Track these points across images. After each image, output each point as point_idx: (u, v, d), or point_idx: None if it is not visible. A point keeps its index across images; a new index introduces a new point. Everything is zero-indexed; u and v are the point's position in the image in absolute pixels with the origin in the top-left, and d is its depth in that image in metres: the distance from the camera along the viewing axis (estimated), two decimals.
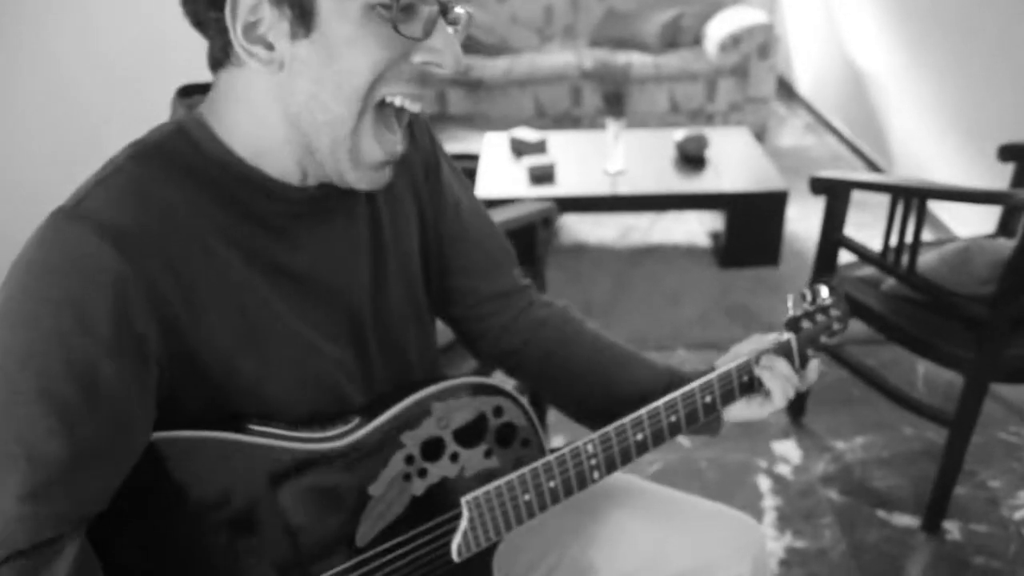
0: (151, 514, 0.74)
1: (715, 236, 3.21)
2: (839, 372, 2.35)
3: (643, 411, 0.92)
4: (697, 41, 4.31)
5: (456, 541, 0.87)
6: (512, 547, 1.06)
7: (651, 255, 3.20)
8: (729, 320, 2.70)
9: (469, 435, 0.85)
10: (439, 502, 0.85)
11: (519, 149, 3.27)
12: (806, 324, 1.04)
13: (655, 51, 4.19)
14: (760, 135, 4.24)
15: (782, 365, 0.96)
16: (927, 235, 2.84)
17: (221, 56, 0.73)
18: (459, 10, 0.77)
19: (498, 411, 0.86)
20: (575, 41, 4.48)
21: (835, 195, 1.91)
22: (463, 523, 0.86)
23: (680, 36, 4.28)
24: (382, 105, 0.74)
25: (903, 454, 2.12)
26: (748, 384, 0.98)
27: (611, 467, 0.92)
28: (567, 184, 3.01)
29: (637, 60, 4.10)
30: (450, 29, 0.75)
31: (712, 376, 0.95)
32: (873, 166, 3.82)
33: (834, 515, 1.93)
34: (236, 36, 0.69)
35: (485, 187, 2.98)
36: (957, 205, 2.95)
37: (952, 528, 1.89)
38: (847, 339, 2.48)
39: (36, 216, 0.69)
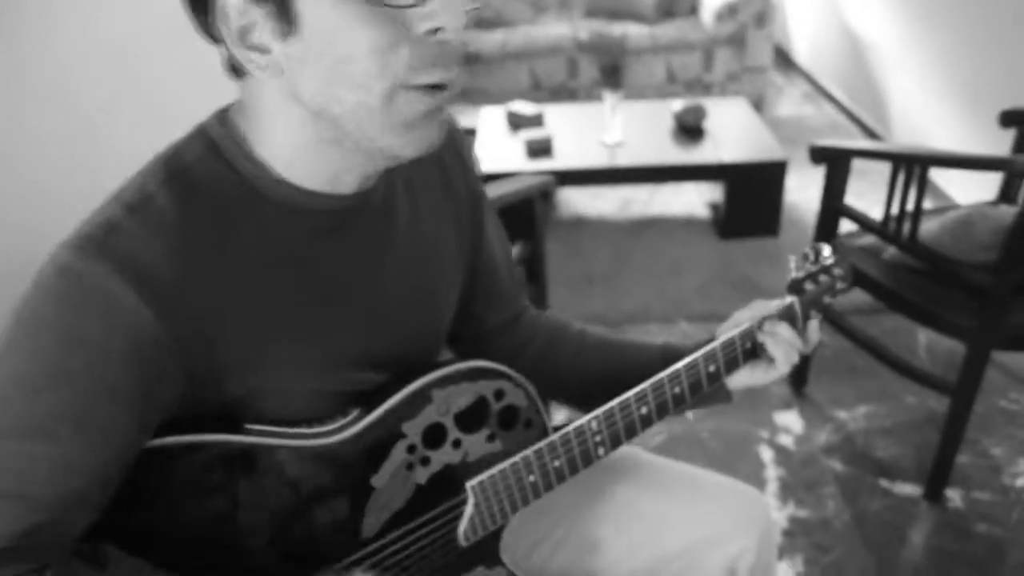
0: (153, 517, 0.74)
1: (714, 207, 3.19)
2: (842, 342, 2.35)
3: (646, 384, 0.91)
4: (693, 10, 4.26)
5: (463, 526, 0.87)
6: (519, 523, 1.07)
7: (651, 227, 3.19)
8: (730, 291, 2.70)
9: (471, 420, 0.84)
10: (444, 489, 0.85)
11: (516, 123, 3.25)
12: (809, 286, 1.02)
13: (651, 21, 4.14)
14: (758, 105, 4.20)
15: (785, 330, 0.95)
16: (927, 203, 2.82)
17: (234, 67, 0.70)
18: None
19: (499, 394, 0.85)
20: (570, 12, 4.43)
21: (835, 164, 1.90)
22: (469, 508, 0.86)
23: (676, 5, 4.24)
24: (413, 86, 0.67)
25: (905, 423, 2.12)
26: (751, 351, 0.97)
27: (616, 442, 0.92)
28: (565, 157, 2.99)
29: (633, 31, 4.06)
30: None
31: (715, 344, 0.93)
32: (872, 134, 3.80)
33: (837, 485, 1.94)
34: (232, 44, 0.65)
35: (483, 163, 2.96)
36: (957, 172, 2.93)
37: (954, 496, 1.89)
38: (849, 308, 2.48)
39: (39, 216, 0.68)
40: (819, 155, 1.91)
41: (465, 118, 3.57)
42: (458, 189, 0.94)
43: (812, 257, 1.04)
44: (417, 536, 0.85)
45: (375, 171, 0.77)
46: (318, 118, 0.68)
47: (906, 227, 1.76)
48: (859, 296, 1.92)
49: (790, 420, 2.15)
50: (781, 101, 4.46)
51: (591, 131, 3.14)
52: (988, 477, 1.95)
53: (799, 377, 2.25)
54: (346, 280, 0.79)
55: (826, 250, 1.05)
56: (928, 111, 3.24)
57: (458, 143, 0.95)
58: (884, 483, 1.94)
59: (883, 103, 3.67)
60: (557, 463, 0.89)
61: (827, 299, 1.06)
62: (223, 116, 0.75)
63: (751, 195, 2.95)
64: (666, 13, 4.21)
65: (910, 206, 1.75)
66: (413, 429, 0.81)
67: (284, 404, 0.77)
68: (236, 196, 0.72)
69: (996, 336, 1.67)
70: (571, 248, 3.06)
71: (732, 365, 0.96)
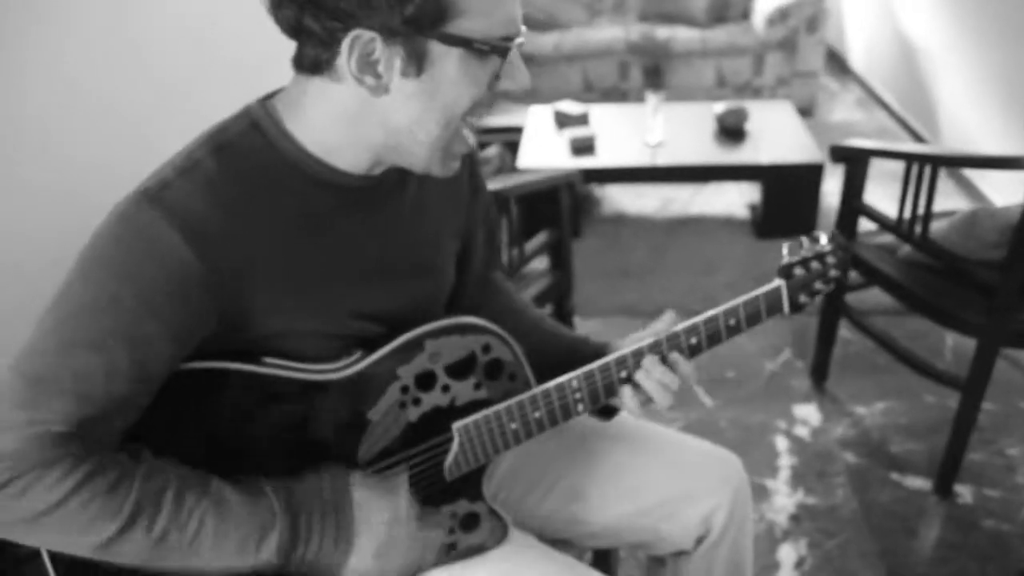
0: (179, 428, 0.87)
1: (753, 208, 3.25)
2: (865, 341, 2.40)
3: (627, 351, 1.01)
4: (745, 15, 4.31)
5: (447, 462, 0.98)
6: (513, 471, 1.18)
7: (689, 225, 3.26)
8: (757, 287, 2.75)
9: (459, 369, 0.95)
10: (432, 428, 0.96)
11: (562, 121, 3.35)
12: (799, 271, 1.08)
13: (702, 25, 4.20)
14: (809, 110, 4.23)
15: (657, 370, 1.00)
16: (964, 205, 2.84)
17: (315, 66, 0.81)
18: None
19: (486, 348, 0.96)
20: (624, 16, 4.51)
21: (854, 163, 1.96)
22: (454, 447, 0.97)
23: (728, 10, 4.29)
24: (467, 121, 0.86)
25: (922, 421, 2.17)
26: (627, 379, 1.02)
27: (595, 400, 1.02)
28: (607, 155, 3.09)
29: (683, 34, 4.13)
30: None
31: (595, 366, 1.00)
32: (920, 140, 3.80)
33: (848, 475, 1.99)
34: (350, 65, 0.78)
35: (528, 158, 3.08)
36: (997, 175, 2.94)
37: (964, 492, 1.94)
38: (876, 309, 2.52)
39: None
40: (838, 154, 1.97)
41: (514, 116, 3.69)
42: (462, 184, 1.07)
43: (806, 244, 1.10)
44: (406, 466, 0.97)
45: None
46: (390, 136, 0.84)
47: (918, 225, 1.81)
48: (886, 297, 1.97)
49: (808, 413, 2.21)
50: (833, 106, 4.47)
51: (635, 131, 3.22)
52: (1001, 475, 1.98)
53: (820, 372, 2.30)
54: (361, 247, 0.92)
55: (822, 238, 1.10)
56: (976, 116, 3.24)
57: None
58: (895, 476, 1.99)
59: (932, 109, 3.67)
60: (538, 414, 0.99)
61: (819, 285, 1.12)
62: (265, 102, 0.88)
63: (788, 196, 3.00)
64: (718, 18, 4.27)
65: (935, 206, 1.80)
66: (407, 372, 0.93)
67: (298, 343, 0.90)
68: (272, 168, 0.85)
69: (1005, 333, 1.72)
70: (610, 243, 3.15)
71: (609, 391, 1.02)
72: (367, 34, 0.76)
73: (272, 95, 0.89)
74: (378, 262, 0.94)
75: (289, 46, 0.84)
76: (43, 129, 1.68)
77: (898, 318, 2.53)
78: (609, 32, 4.23)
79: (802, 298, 1.11)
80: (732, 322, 1.07)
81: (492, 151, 3.35)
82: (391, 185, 0.94)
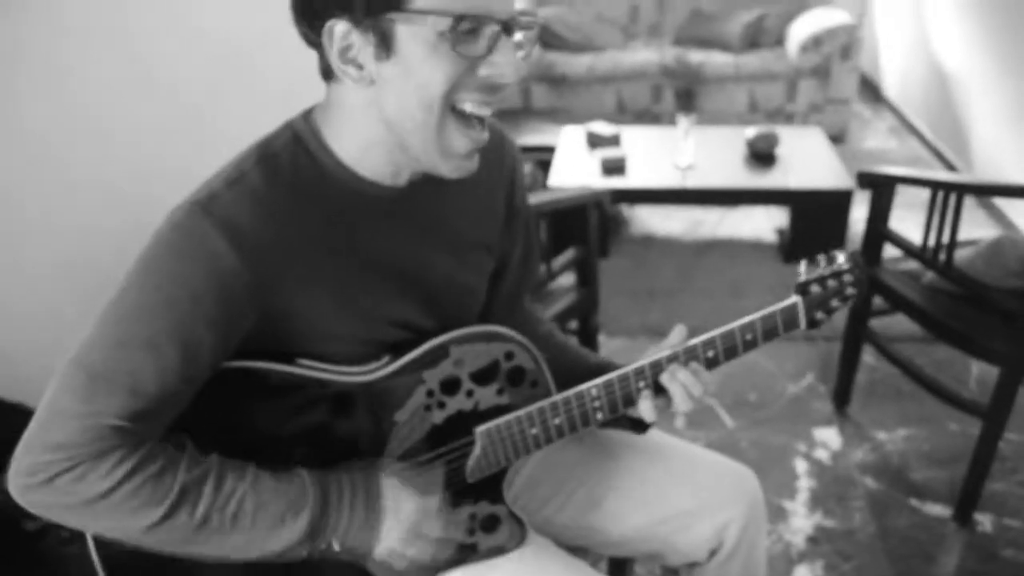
0: (219, 423, 0.92)
1: (781, 232, 3.27)
2: (890, 368, 2.41)
3: (645, 361, 1.04)
4: (779, 41, 4.34)
5: (470, 464, 1.02)
6: (533, 479, 1.22)
7: (717, 248, 3.29)
8: None
9: (483, 375, 1.00)
10: (456, 431, 1.01)
11: (594, 142, 3.40)
12: (815, 288, 1.09)
13: (736, 50, 4.24)
14: (841, 136, 4.24)
15: (683, 374, 1.04)
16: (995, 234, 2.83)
17: (326, 73, 0.89)
18: (527, 22, 0.89)
19: (509, 355, 1.01)
20: (660, 40, 4.57)
21: (880, 189, 1.98)
22: (476, 449, 1.02)
23: (762, 36, 4.32)
24: (459, 111, 0.88)
25: (944, 448, 2.17)
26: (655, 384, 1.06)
27: (614, 409, 1.05)
28: (637, 176, 3.13)
29: (717, 59, 4.17)
30: (519, 35, 0.89)
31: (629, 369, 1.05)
32: (952, 169, 3.79)
33: (867, 500, 2.00)
34: (333, 59, 0.84)
35: (559, 176, 3.12)
36: None
37: (984, 520, 1.94)
38: (902, 336, 2.52)
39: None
40: (865, 180, 2.00)
41: (547, 136, 3.74)
42: (498, 202, 1.11)
43: (823, 263, 1.13)
44: (443, 462, 1.01)
45: (425, 172, 0.95)
46: (388, 129, 0.88)
47: (943, 253, 1.83)
48: (913, 324, 1.98)
49: (829, 436, 2.23)
50: (866, 134, 4.47)
51: (666, 153, 3.26)
52: (1022, 505, 1.98)
53: (842, 396, 2.32)
54: (395, 257, 0.97)
55: (840, 256, 1.12)
56: (1009, 145, 3.24)
57: (512, 164, 1.12)
58: (914, 502, 2.00)
59: (965, 137, 3.67)
60: (558, 420, 1.03)
61: (836, 303, 1.14)
62: (307, 114, 0.94)
63: (817, 221, 3.02)
64: (752, 43, 4.30)
65: (964, 234, 1.81)
66: (432, 377, 0.98)
67: (332, 346, 0.95)
68: (312, 179, 0.91)
69: None
70: (638, 263, 3.19)
71: (628, 401, 1.06)
72: (339, 25, 0.81)
73: (314, 108, 0.95)
74: (411, 273, 0.98)
75: (302, 61, 0.90)
76: (102, 131, 1.75)
77: (924, 345, 2.53)
78: (643, 55, 4.28)
79: (819, 315, 1.13)
80: (749, 337, 1.09)
81: (524, 169, 3.41)
82: (422, 198, 0.98)
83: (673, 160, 3.20)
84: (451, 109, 0.86)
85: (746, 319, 1.09)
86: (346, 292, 0.93)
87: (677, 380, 1.04)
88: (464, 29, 0.81)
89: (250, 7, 2.06)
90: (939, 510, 1.97)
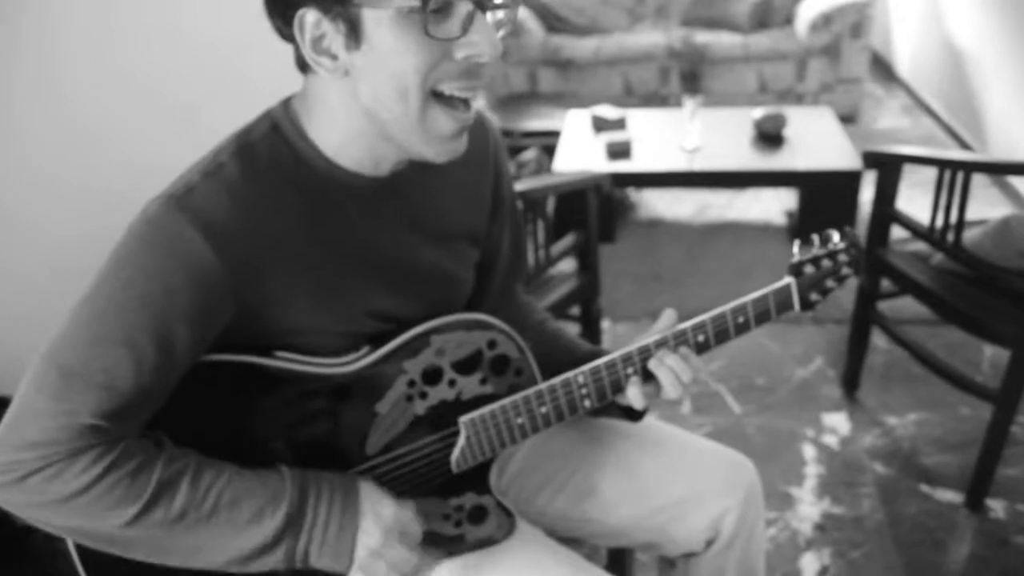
0: (197, 419, 0.90)
1: (790, 215, 3.22)
2: (901, 351, 2.36)
3: (633, 347, 1.01)
4: (788, 20, 4.27)
5: (454, 455, 1.00)
6: (525, 468, 1.20)
7: (725, 231, 3.24)
8: None
9: (465, 364, 0.97)
10: (439, 421, 0.98)
11: (599, 126, 3.36)
12: (809, 269, 1.06)
13: (745, 30, 4.18)
14: (852, 116, 4.18)
15: (671, 359, 1.01)
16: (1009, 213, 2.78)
17: (302, 64, 0.85)
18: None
19: (492, 344, 0.98)
20: (667, 21, 4.50)
21: (887, 169, 1.94)
22: (461, 440, 0.99)
23: (771, 16, 4.25)
24: (439, 93, 0.84)
25: (956, 433, 2.13)
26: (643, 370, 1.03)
27: (602, 396, 1.02)
28: (643, 159, 3.09)
29: (726, 40, 4.11)
30: (500, 15, 0.85)
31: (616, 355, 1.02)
32: (966, 148, 3.72)
33: (876, 486, 1.97)
34: (306, 49, 0.81)
35: (564, 161, 3.09)
36: None
37: (996, 506, 1.90)
38: (914, 318, 2.48)
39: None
40: (871, 160, 1.95)
41: (553, 121, 3.70)
42: (484, 192, 1.07)
43: (818, 242, 1.09)
44: (414, 457, 0.99)
45: (408, 159, 0.92)
46: (369, 120, 0.85)
47: (951, 233, 1.79)
48: (921, 307, 1.94)
49: (838, 421, 2.19)
50: (878, 113, 4.40)
51: (672, 136, 3.21)
52: None
53: (851, 381, 2.27)
54: (375, 248, 0.94)
55: (835, 236, 1.09)
56: None
57: (496, 152, 1.08)
58: (925, 488, 1.96)
59: (980, 116, 3.60)
60: (544, 409, 1.01)
61: (831, 283, 1.11)
62: (287, 103, 0.91)
63: (826, 203, 2.97)
64: (760, 23, 4.23)
65: (977, 213, 1.77)
66: (414, 367, 0.95)
67: (311, 339, 0.93)
68: (291, 169, 0.88)
69: None
70: (644, 247, 3.15)
71: (616, 387, 1.03)
72: (310, 14, 0.78)
73: (293, 96, 0.92)
74: (393, 264, 0.96)
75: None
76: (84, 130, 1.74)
77: (935, 328, 2.48)
78: (650, 37, 4.22)
79: (813, 296, 1.10)
80: (741, 320, 1.06)
81: (530, 154, 3.37)
82: (406, 187, 0.95)
83: (679, 143, 3.15)
84: (432, 94, 0.83)
85: (738, 301, 1.06)
86: (327, 284, 0.91)
87: (665, 365, 1.01)
88: (434, 8, 0.78)
89: (244, 8, 2.03)
90: (950, 496, 1.93)
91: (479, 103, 4.63)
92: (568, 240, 1.97)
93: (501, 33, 0.85)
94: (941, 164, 1.79)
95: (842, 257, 1.09)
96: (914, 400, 2.25)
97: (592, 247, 1.99)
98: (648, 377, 1.03)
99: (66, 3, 1.70)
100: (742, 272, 2.91)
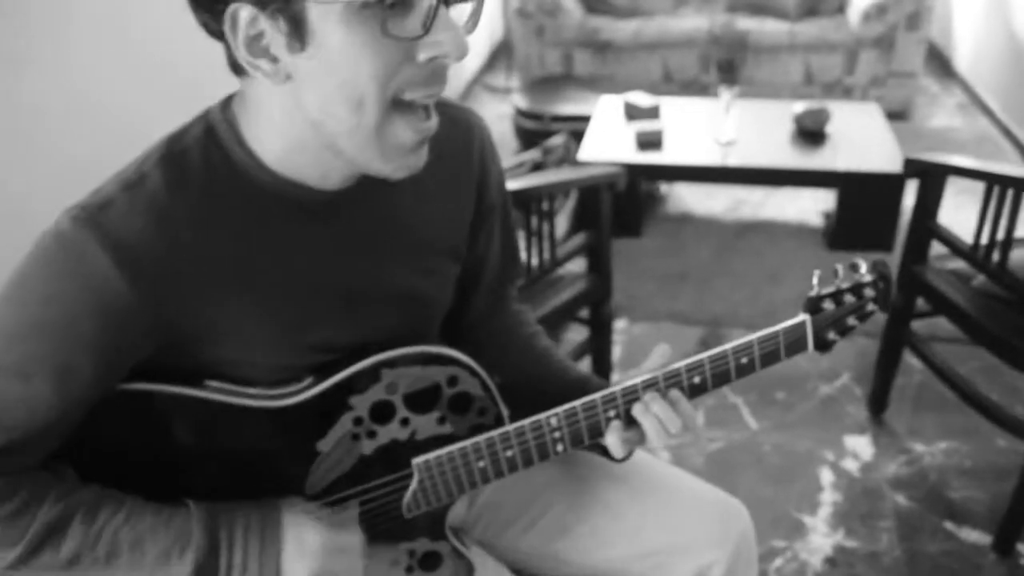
0: (112, 451, 0.82)
1: (827, 216, 3.05)
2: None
3: (617, 388, 0.91)
4: (840, 9, 4.06)
5: (406, 499, 0.90)
6: (496, 498, 1.10)
7: (757, 231, 3.09)
8: None
9: (421, 401, 0.87)
10: (390, 462, 0.88)
11: (631, 113, 3.21)
12: (828, 305, 0.95)
13: (792, 18, 3.98)
14: (904, 113, 3.97)
15: (659, 407, 0.89)
16: None
17: (234, 66, 0.74)
18: None
19: (452, 380, 0.87)
20: (711, 5, 4.31)
21: (929, 179, 1.78)
22: (413, 483, 0.89)
23: (821, 3, 4.05)
24: (400, 101, 0.72)
25: (988, 466, 1.98)
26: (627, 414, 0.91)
27: (577, 440, 0.92)
28: (674, 151, 2.95)
29: (771, 27, 3.91)
30: (466, 9, 0.74)
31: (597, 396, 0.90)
32: (1022, 150, 3.51)
33: (896, 519, 1.83)
34: (239, 50, 0.69)
35: (590, 150, 2.95)
36: None
37: None
38: (949, 336, 2.31)
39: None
40: (912, 168, 1.80)
41: (587, 105, 3.56)
42: (464, 203, 0.96)
43: (842, 272, 0.97)
44: (361, 500, 0.89)
45: (361, 173, 0.80)
46: (314, 131, 0.74)
47: (996, 254, 1.64)
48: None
49: (860, 445, 2.05)
50: (932, 110, 4.18)
51: (707, 128, 3.06)
52: None
53: (878, 402, 2.13)
54: (332, 269, 0.83)
55: (863, 267, 0.97)
56: None
57: (482, 155, 0.97)
58: (949, 526, 1.82)
59: None
60: (510, 453, 0.90)
61: (852, 322, 0.99)
62: (227, 103, 0.80)
63: (866, 207, 2.81)
64: (810, 10, 4.03)
65: (1018, 231, 1.62)
66: (361, 403, 0.85)
67: (246, 370, 0.83)
68: (225, 180, 0.77)
69: None
70: (672, 244, 3.01)
71: (594, 431, 0.92)
72: (243, 10, 0.67)
73: (234, 96, 0.81)
74: (346, 287, 0.85)
75: None
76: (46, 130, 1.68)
77: (975, 348, 2.31)
78: (692, 21, 4.04)
79: (830, 335, 0.98)
80: (744, 361, 0.95)
81: (557, 140, 3.23)
82: (365, 200, 0.84)
83: (714, 135, 3.00)
84: (393, 103, 0.71)
85: (742, 340, 0.95)
86: (266, 314, 0.80)
87: (651, 413, 0.90)
88: (392, 2, 0.66)
89: None
90: (977, 536, 1.79)
91: (514, 83, 4.48)
92: (578, 240, 1.85)
93: (466, 28, 0.74)
94: (990, 178, 1.63)
95: (868, 292, 0.97)
96: (945, 427, 2.10)
97: (604, 248, 1.87)
98: (632, 421, 0.92)
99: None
100: (772, 277, 2.76)
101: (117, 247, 0.71)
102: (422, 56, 0.70)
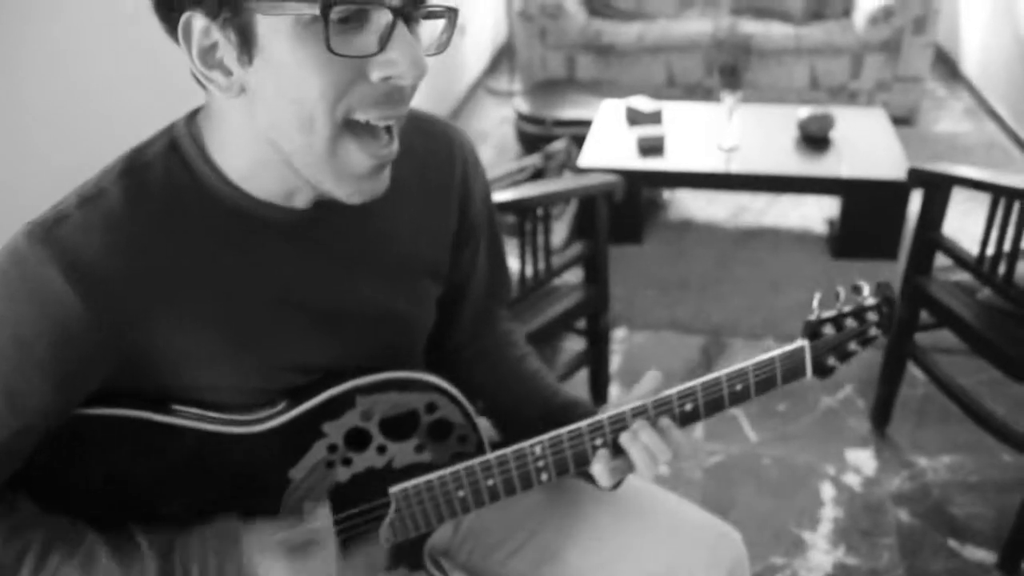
0: (73, 477, 0.78)
1: (831, 223, 3.01)
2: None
3: (604, 416, 0.87)
4: (846, 12, 4.01)
5: (383, 529, 0.87)
6: (481, 521, 1.06)
7: (761, 238, 3.05)
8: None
9: (398, 429, 0.84)
10: (367, 490, 0.85)
11: (633, 118, 3.17)
12: (828, 330, 0.92)
13: (798, 21, 3.94)
14: (910, 118, 3.92)
15: (648, 435, 0.85)
16: None
17: (195, 77, 0.71)
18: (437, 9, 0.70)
19: (431, 407, 0.84)
20: (716, 9, 4.27)
21: (934, 190, 1.75)
22: (390, 513, 0.86)
23: (827, 6, 4.00)
24: (354, 122, 0.69)
25: (994, 482, 1.93)
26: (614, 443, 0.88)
27: (563, 470, 0.88)
28: (677, 157, 2.91)
29: (776, 31, 3.87)
30: (440, 23, 0.71)
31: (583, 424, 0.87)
32: None
33: (898, 536, 1.79)
34: (193, 61, 0.67)
35: (591, 155, 2.92)
36: None
37: None
38: (953, 348, 2.27)
39: None
40: (916, 179, 1.76)
41: (589, 110, 3.52)
42: (446, 221, 0.92)
43: (844, 295, 0.94)
44: (337, 530, 0.86)
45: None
46: (271, 147, 0.70)
47: (1002, 266, 1.60)
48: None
49: (862, 459, 2.01)
50: (939, 115, 4.13)
51: (709, 133, 3.02)
52: None
53: (881, 415, 2.09)
54: (297, 290, 0.80)
55: (865, 290, 0.94)
56: None
57: (464, 170, 0.93)
58: (953, 543, 1.78)
59: None
60: (491, 482, 0.87)
61: (854, 347, 0.96)
62: (192, 117, 0.77)
63: (870, 215, 2.76)
64: (816, 14, 3.98)
65: None
66: (335, 430, 0.82)
67: (213, 395, 0.80)
68: (188, 196, 0.74)
69: None
70: (673, 251, 2.97)
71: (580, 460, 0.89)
72: (196, 19, 0.64)
73: (200, 110, 0.78)
74: (319, 308, 0.81)
75: None
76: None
77: (980, 361, 2.27)
78: (696, 25, 4.00)
79: (830, 361, 0.95)
80: (739, 387, 0.92)
81: (559, 145, 3.20)
82: (338, 218, 0.80)
83: (717, 141, 2.96)
84: (345, 124, 0.68)
85: (736, 367, 0.91)
86: (234, 336, 0.77)
87: (639, 442, 0.86)
88: (341, 18, 0.63)
89: None
90: (981, 555, 1.75)
91: (516, 86, 4.44)
92: (574, 250, 1.82)
93: (432, 47, 0.70)
94: (995, 190, 1.59)
95: (871, 316, 0.93)
96: (950, 441, 2.05)
97: (601, 258, 1.84)
98: (620, 450, 0.88)
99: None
100: (775, 284, 2.72)
101: (72, 264, 0.68)
102: (375, 75, 0.67)
